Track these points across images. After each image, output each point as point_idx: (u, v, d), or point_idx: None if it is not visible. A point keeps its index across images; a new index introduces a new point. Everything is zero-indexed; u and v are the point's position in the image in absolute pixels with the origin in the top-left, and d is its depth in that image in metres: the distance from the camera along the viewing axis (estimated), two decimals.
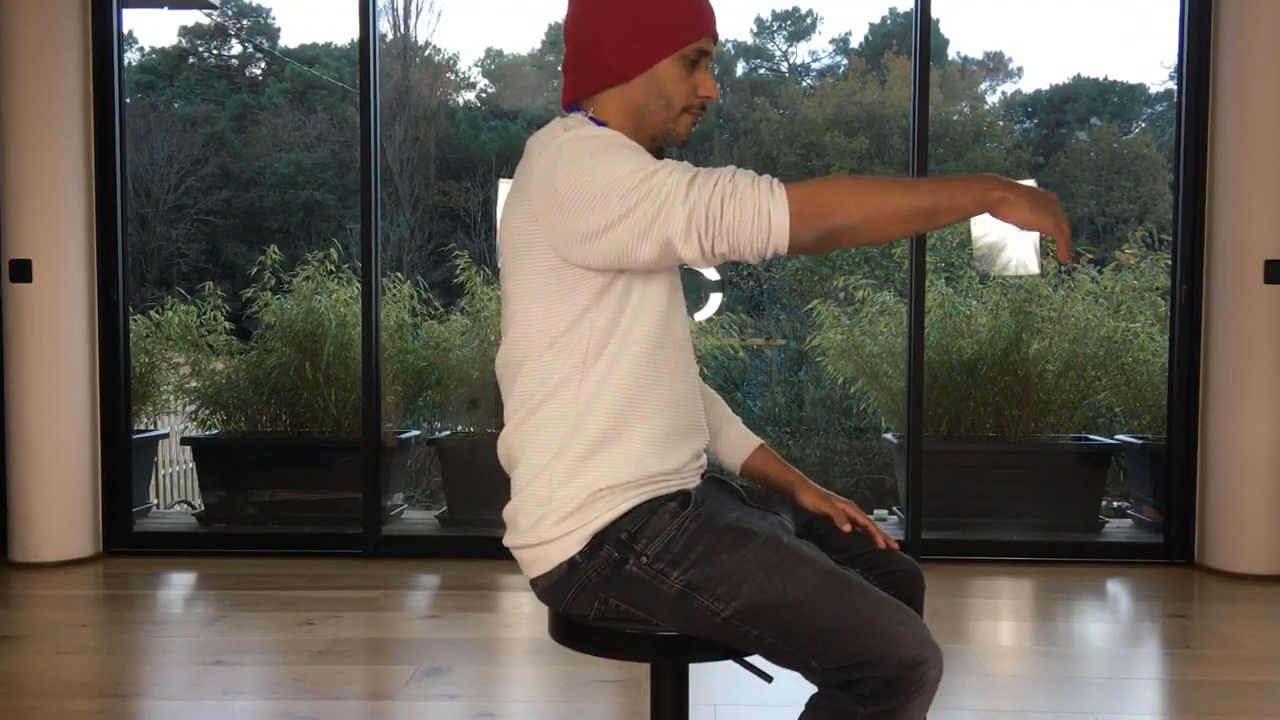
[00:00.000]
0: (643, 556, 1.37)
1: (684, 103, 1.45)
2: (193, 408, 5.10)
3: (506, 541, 1.48)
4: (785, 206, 1.26)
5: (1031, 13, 15.20)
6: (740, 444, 1.67)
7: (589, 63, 1.45)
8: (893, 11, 15.42)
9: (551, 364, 1.40)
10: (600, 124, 1.44)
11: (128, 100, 4.30)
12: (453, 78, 15.06)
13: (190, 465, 5.72)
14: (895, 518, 4.52)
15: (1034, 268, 4.85)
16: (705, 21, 1.44)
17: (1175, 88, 4.12)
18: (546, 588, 1.44)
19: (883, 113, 13.46)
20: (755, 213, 1.26)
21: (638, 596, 1.38)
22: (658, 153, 1.53)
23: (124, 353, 4.17)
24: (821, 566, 1.32)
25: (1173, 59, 4.19)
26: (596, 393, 1.39)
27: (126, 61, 4.79)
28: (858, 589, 1.30)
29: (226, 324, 5.31)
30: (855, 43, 16.06)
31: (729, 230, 1.27)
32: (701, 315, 5.90)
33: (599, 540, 1.39)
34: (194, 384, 5.07)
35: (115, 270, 4.10)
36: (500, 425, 1.49)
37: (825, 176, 1.32)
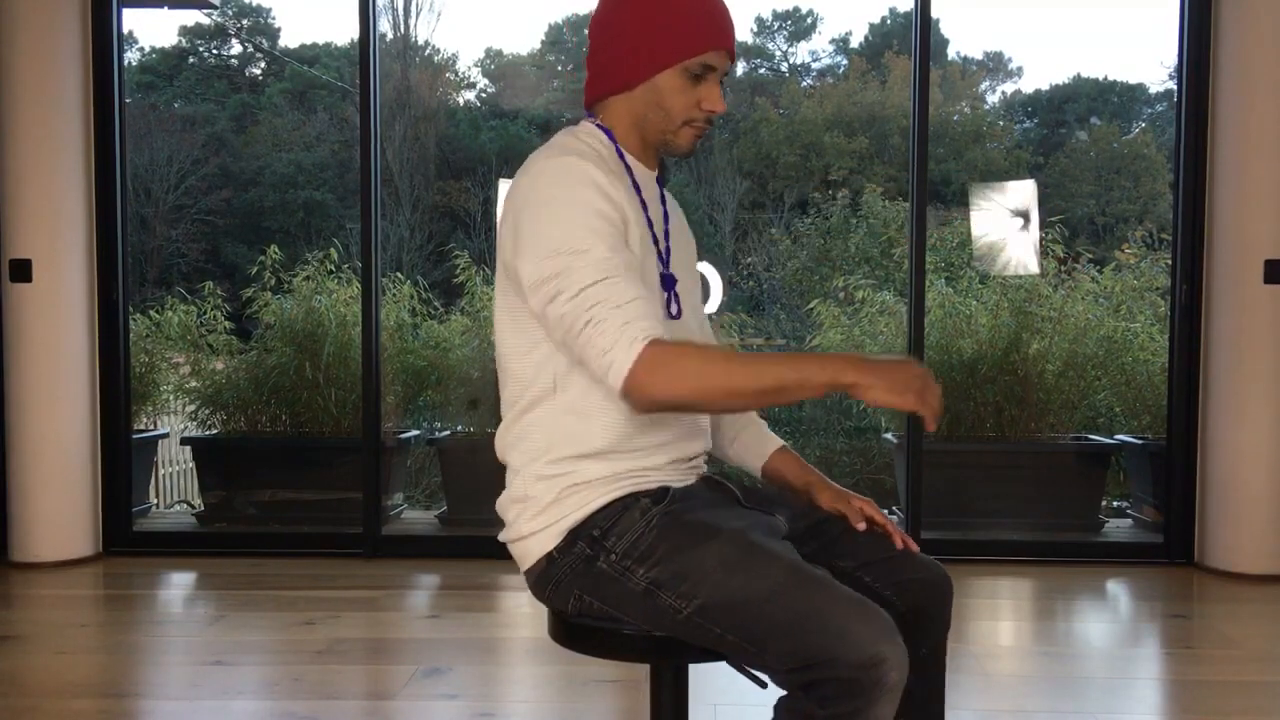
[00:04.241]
0: (612, 554, 1.38)
1: (685, 115, 1.45)
2: (193, 408, 5.10)
3: (499, 536, 1.51)
4: (628, 367, 1.28)
5: (1031, 13, 15.19)
6: (760, 446, 1.65)
7: (599, 68, 1.48)
8: (893, 11, 15.42)
9: (527, 377, 1.44)
10: (606, 131, 1.48)
11: (128, 100, 4.30)
12: (453, 78, 15.05)
13: (190, 465, 5.72)
14: (895, 518, 4.52)
15: (1034, 267, 4.85)
16: (712, 36, 1.43)
17: (1175, 88, 4.12)
18: (532, 582, 1.47)
19: (883, 113, 13.45)
20: (601, 352, 1.30)
21: (609, 594, 1.39)
22: (660, 163, 1.55)
23: (124, 353, 4.17)
24: (785, 564, 1.30)
25: (1173, 59, 4.19)
26: (571, 411, 1.41)
27: (126, 61, 4.78)
28: (821, 587, 1.27)
29: (226, 324, 5.32)
30: (855, 43, 16.06)
31: (581, 349, 1.32)
32: None
33: (574, 536, 1.41)
34: (194, 384, 5.08)
35: (115, 270, 4.09)
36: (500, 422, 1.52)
37: (700, 349, 1.32)
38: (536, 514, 1.42)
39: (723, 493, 1.54)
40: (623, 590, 1.37)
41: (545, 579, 1.44)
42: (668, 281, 1.48)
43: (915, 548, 1.52)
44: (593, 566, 1.39)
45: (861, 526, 1.52)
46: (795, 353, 1.38)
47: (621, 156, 1.49)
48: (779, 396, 1.31)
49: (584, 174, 1.37)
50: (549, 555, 1.42)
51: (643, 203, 1.47)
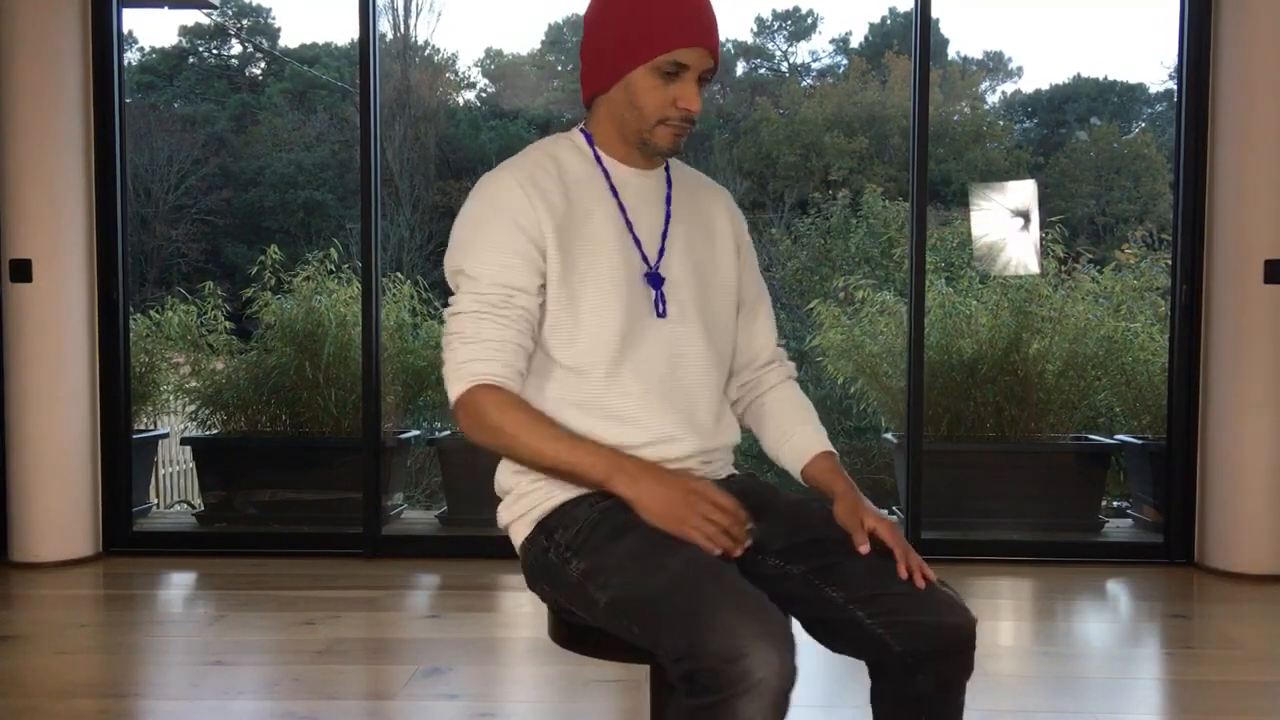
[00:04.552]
0: (558, 545, 1.43)
1: (658, 114, 1.45)
2: (193, 408, 5.10)
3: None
4: (455, 398, 1.42)
5: (1031, 13, 15.19)
6: (802, 451, 1.59)
7: (584, 72, 1.51)
8: (893, 11, 15.41)
9: None
10: (587, 136, 1.52)
11: (128, 100, 4.30)
12: (453, 78, 15.05)
13: (190, 465, 5.72)
14: (895, 518, 4.52)
15: (1034, 267, 4.84)
16: (683, 35, 1.41)
17: (1175, 88, 4.12)
18: (521, 567, 1.54)
19: (883, 113, 13.45)
20: (445, 377, 1.45)
21: (558, 585, 1.44)
22: (652, 160, 1.55)
23: (124, 353, 4.17)
24: (684, 557, 1.29)
25: (1173, 59, 4.19)
26: (534, 400, 1.47)
27: (126, 61, 4.78)
28: (712, 581, 1.25)
29: (227, 324, 5.32)
30: (855, 43, 16.05)
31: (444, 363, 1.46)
32: None
33: (538, 529, 1.47)
34: (194, 384, 5.07)
35: (115, 270, 4.09)
36: None
37: (509, 410, 1.40)
38: (512, 504, 1.51)
39: None
40: (566, 581, 1.41)
41: (523, 567, 1.52)
42: (653, 280, 1.49)
43: (925, 580, 1.39)
44: (545, 558, 1.45)
45: (864, 549, 1.41)
46: (589, 444, 1.36)
47: (599, 160, 1.51)
48: (556, 476, 1.42)
49: (504, 197, 1.43)
50: (523, 545, 1.50)
51: (620, 205, 1.49)
